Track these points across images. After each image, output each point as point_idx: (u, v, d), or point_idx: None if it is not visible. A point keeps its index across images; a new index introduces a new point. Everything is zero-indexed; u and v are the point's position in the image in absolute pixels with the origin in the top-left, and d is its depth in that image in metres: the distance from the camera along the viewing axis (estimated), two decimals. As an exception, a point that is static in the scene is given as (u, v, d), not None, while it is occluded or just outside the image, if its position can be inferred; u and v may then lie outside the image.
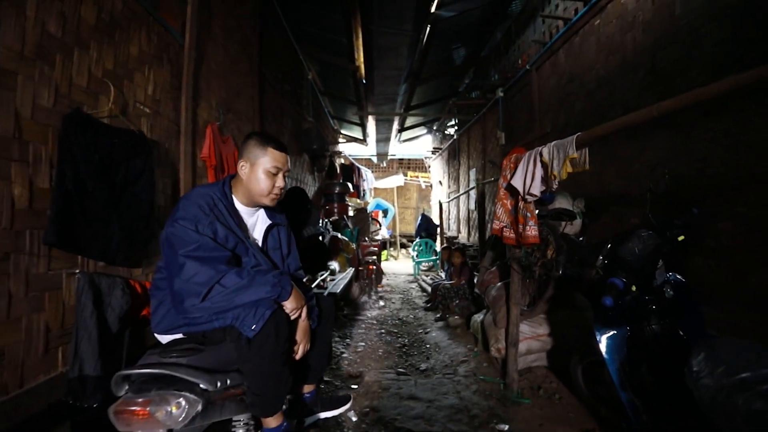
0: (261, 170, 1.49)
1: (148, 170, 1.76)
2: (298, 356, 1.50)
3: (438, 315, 5.24)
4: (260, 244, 1.64)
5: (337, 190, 7.37)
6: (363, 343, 4.24)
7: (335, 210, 7.20)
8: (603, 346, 1.84)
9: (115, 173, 1.60)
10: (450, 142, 9.57)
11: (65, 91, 1.38)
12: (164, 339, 1.49)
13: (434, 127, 10.95)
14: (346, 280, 5.32)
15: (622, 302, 1.69)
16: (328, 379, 3.14)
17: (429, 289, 6.50)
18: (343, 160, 10.43)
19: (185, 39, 2.25)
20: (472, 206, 7.17)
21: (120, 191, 1.63)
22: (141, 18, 1.83)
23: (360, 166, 10.61)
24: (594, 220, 3.11)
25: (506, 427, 2.48)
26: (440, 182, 11.40)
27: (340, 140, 10.48)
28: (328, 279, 4.95)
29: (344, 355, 3.82)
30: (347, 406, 1.97)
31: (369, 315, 5.54)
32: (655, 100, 2.42)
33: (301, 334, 1.50)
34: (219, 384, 1.20)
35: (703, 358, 1.22)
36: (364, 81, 6.61)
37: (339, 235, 6.08)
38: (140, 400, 1.04)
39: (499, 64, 5.87)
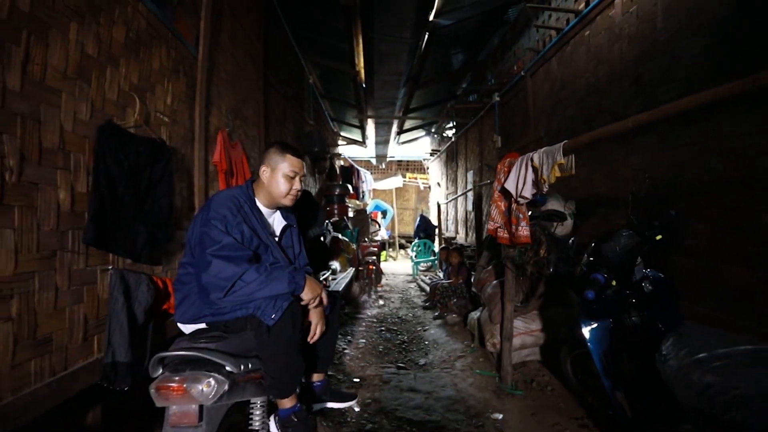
0: (281, 174, 1.66)
1: (168, 175, 1.91)
2: (315, 338, 1.65)
3: (436, 313, 5.40)
4: (277, 241, 1.79)
5: (337, 191, 7.53)
6: (364, 340, 4.39)
7: (335, 211, 7.36)
8: (587, 337, 2.00)
9: (140, 178, 1.75)
10: (448, 144, 9.73)
11: (99, 105, 1.53)
12: (188, 329, 1.64)
13: (433, 130, 11.11)
14: (346, 280, 5.47)
15: (604, 296, 1.85)
16: (331, 374, 3.29)
17: (427, 288, 6.66)
18: (342, 162, 10.58)
19: (199, 51, 2.40)
20: (470, 207, 7.33)
21: (144, 195, 1.78)
22: (161, 34, 1.98)
23: (359, 168, 10.77)
24: (584, 220, 3.27)
25: (500, 416, 2.64)
26: (438, 184, 11.56)
27: (340, 142, 10.63)
28: (330, 278, 5.10)
29: (346, 351, 3.97)
30: (353, 402, 2.12)
31: (369, 313, 5.69)
32: (639, 109, 2.58)
33: (317, 318, 1.65)
34: (242, 367, 1.35)
35: (671, 343, 1.38)
36: (364, 85, 6.77)
37: (339, 236, 6.23)
38: (177, 378, 1.18)
39: (495, 69, 6.04)
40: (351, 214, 8.45)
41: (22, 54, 1.18)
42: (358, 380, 3.21)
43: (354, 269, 6.29)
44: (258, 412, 1.55)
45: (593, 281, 1.77)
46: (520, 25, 4.96)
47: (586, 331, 2.00)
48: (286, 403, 1.56)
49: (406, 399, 2.92)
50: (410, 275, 9.24)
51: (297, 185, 1.71)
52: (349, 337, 4.43)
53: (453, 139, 9.10)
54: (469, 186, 7.33)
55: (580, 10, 3.39)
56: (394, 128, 10.12)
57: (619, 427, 1.96)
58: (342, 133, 10.84)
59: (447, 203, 9.82)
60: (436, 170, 12.05)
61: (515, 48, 5.20)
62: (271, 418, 1.62)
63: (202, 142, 2.39)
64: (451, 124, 9.58)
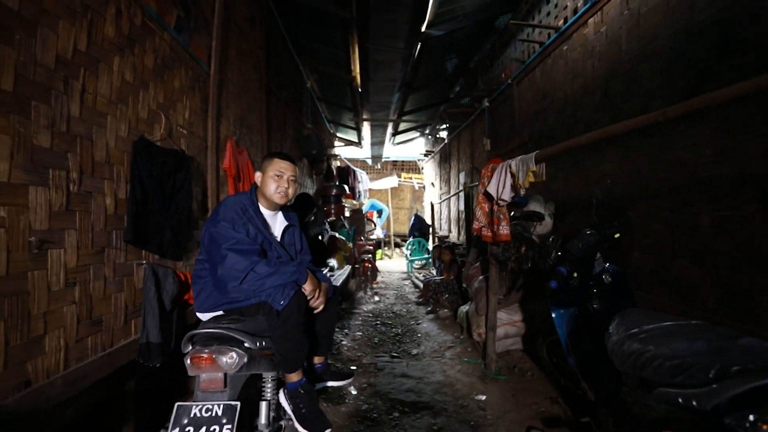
0: (269, 175, 1.92)
1: (187, 182, 2.18)
2: (319, 308, 1.92)
3: (429, 308, 5.68)
4: (279, 240, 2.06)
5: (334, 192, 7.79)
6: (360, 333, 4.67)
7: (332, 211, 7.62)
8: (556, 323, 2.29)
9: (165, 185, 2.01)
10: (441, 145, 10.02)
11: (134, 124, 1.79)
12: (205, 317, 1.90)
13: (427, 131, 11.40)
14: (344, 277, 5.74)
15: (568, 286, 2.14)
16: (330, 362, 3.56)
17: (421, 285, 6.94)
18: (339, 163, 10.84)
19: (210, 68, 2.66)
20: (462, 207, 7.62)
21: (169, 199, 2.04)
22: (181, 57, 2.24)
23: (355, 169, 11.03)
24: (562, 220, 3.56)
25: (483, 398, 2.93)
26: (432, 184, 11.84)
27: (337, 143, 10.89)
28: (328, 275, 5.37)
29: (344, 342, 4.24)
30: (350, 380, 2.40)
31: (365, 309, 5.97)
32: (607, 120, 2.88)
33: (323, 292, 1.92)
34: (257, 344, 1.62)
35: (615, 323, 1.66)
36: (360, 89, 7.04)
37: (337, 235, 6.50)
38: (207, 351, 1.45)
39: (485, 76, 6.32)
40: (347, 214, 8.71)
41: (80, 86, 1.44)
42: (354, 368, 3.49)
43: (351, 267, 6.55)
44: (269, 386, 1.82)
45: (557, 273, 2.06)
46: (507, 36, 5.24)
47: (555, 318, 2.29)
48: (294, 377, 1.83)
49: (398, 383, 3.20)
50: (405, 273, 9.52)
51: (284, 184, 1.95)
52: (346, 330, 4.70)
53: (446, 141, 9.39)
54: (461, 187, 7.63)
55: (559, 26, 3.68)
56: (389, 130, 10.39)
57: (583, 400, 2.25)
58: (338, 134, 11.10)
59: (440, 203, 10.11)
60: (430, 171, 12.34)
61: (503, 57, 5.48)
62: (281, 391, 1.89)
63: (214, 150, 2.65)
64: (444, 126, 9.87)
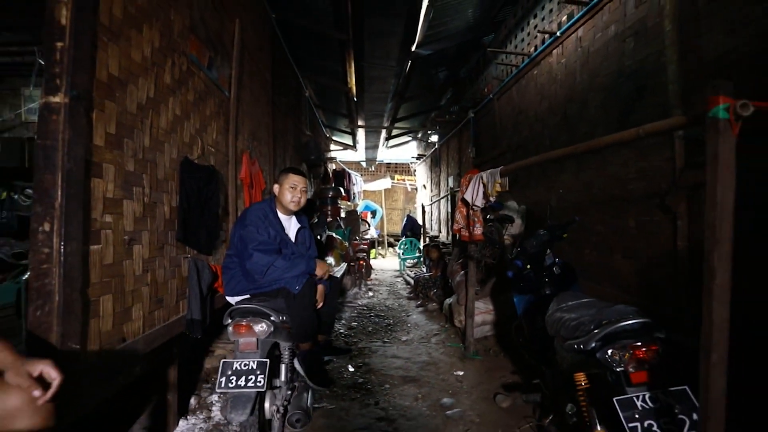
0: (285, 187, 2.43)
1: (216, 191, 2.67)
2: (320, 305, 2.43)
3: (419, 302, 6.20)
4: (293, 239, 2.57)
5: (330, 194, 8.28)
6: (356, 323, 5.18)
7: (329, 212, 8.11)
8: (517, 306, 2.81)
9: (201, 195, 2.50)
10: (432, 150, 10.54)
11: (180, 147, 2.28)
12: (234, 300, 2.40)
13: (419, 136, 11.92)
14: (340, 273, 6.24)
15: (524, 277, 2.66)
16: (331, 340, 4.07)
17: (412, 282, 7.46)
18: (335, 166, 11.33)
19: (230, 94, 3.15)
20: (450, 209, 8.16)
21: (203, 206, 2.53)
22: (210, 89, 2.73)
23: (350, 171, 11.53)
24: (532, 221, 4.09)
25: (461, 373, 3.45)
26: (424, 186, 12.37)
27: (332, 147, 11.38)
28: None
29: (341, 331, 4.75)
30: (348, 355, 2.92)
31: (360, 303, 6.47)
32: (566, 137, 3.42)
33: (320, 294, 2.44)
34: (280, 318, 2.12)
35: (553, 302, 2.19)
36: (355, 99, 7.54)
37: (333, 234, 6.99)
38: (245, 321, 1.95)
39: (471, 88, 6.86)
40: (343, 215, 9.21)
41: (149, 123, 1.93)
42: (351, 347, 4.00)
43: (346, 264, 7.05)
44: (287, 353, 2.32)
45: (514, 266, 2.58)
46: (490, 55, 5.78)
47: (517, 303, 2.82)
48: (305, 346, 2.34)
49: (389, 363, 3.71)
50: (397, 271, 10.04)
51: (297, 194, 2.47)
52: (343, 321, 5.21)
53: (436, 147, 9.92)
54: (450, 190, 8.16)
55: (530, 53, 4.22)
56: (383, 135, 10.89)
57: (536, 368, 2.78)
58: (334, 138, 11.58)
59: (431, 205, 10.64)
60: (422, 173, 12.86)
61: (486, 73, 6.02)
62: (295, 359, 2.40)
63: (233, 163, 3.14)
64: (435, 130, 10.40)
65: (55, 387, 1.11)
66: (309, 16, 4.64)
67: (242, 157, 3.41)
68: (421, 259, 9.55)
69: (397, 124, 9.49)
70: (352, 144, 12.12)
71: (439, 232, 9.78)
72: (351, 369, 3.51)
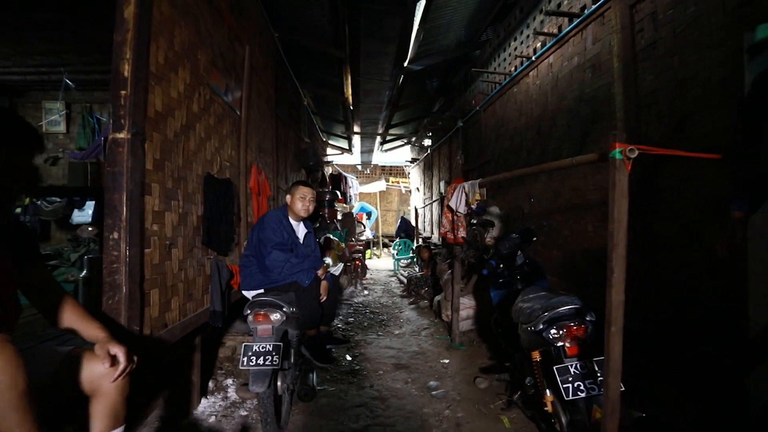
0: (296, 198, 2.85)
1: (232, 201, 3.07)
2: (324, 298, 2.85)
3: (411, 300, 6.62)
4: (302, 241, 2.98)
5: (327, 197, 8.68)
6: (352, 319, 5.58)
7: (326, 214, 8.52)
8: (493, 300, 3.23)
9: (220, 204, 2.90)
10: (425, 155, 10.98)
11: (204, 164, 2.68)
12: (250, 294, 2.81)
13: (413, 140, 12.35)
14: (338, 272, 6.64)
15: (498, 274, 3.08)
16: (332, 331, 4.46)
17: (405, 281, 7.88)
18: (331, 170, 11.73)
19: (242, 113, 3.55)
20: (440, 213, 8.60)
21: (221, 214, 2.93)
22: (227, 111, 3.12)
23: (347, 175, 11.94)
24: (512, 225, 4.53)
25: (447, 361, 3.87)
26: (417, 189, 12.80)
27: (329, 151, 11.78)
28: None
29: (339, 326, 5.15)
30: (346, 344, 3.33)
31: (356, 300, 6.88)
32: (539, 151, 3.85)
33: (324, 288, 2.85)
34: (290, 309, 2.52)
35: (521, 295, 2.61)
36: (351, 107, 7.95)
37: (331, 236, 7.40)
38: (263, 311, 2.35)
39: (460, 99, 7.30)
40: (339, 217, 9.61)
41: (182, 146, 2.33)
42: (349, 340, 4.41)
43: (343, 264, 7.46)
44: (295, 340, 2.72)
45: (489, 265, 3.01)
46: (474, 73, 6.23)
47: (493, 296, 3.24)
48: (311, 333, 2.76)
49: (383, 352, 4.12)
50: (392, 271, 10.45)
51: (306, 203, 2.90)
52: (340, 317, 5.61)
53: (429, 151, 10.35)
54: (441, 193, 8.59)
55: (511, 72, 4.66)
56: (378, 140, 11.31)
57: (507, 353, 3.20)
58: (331, 142, 11.99)
59: (423, 207, 11.07)
60: (415, 176, 13.29)
61: (474, 86, 6.46)
62: (301, 346, 2.81)
63: (244, 174, 3.54)
64: (428, 135, 10.83)
65: (121, 369, 1.38)
66: (309, 36, 5.04)
67: (251, 168, 3.80)
68: (414, 259, 9.97)
69: (391, 131, 9.91)
70: (348, 148, 12.53)
71: (432, 233, 10.22)
72: (348, 358, 3.92)
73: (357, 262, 7.88)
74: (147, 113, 1.95)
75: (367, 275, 9.24)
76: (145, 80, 1.92)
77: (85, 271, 3.45)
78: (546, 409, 2.08)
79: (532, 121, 4.09)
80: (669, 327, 2.24)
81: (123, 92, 1.80)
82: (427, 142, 11.20)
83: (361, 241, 10.40)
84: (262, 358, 2.28)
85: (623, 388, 1.53)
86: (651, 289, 2.42)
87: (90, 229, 4.09)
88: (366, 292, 7.67)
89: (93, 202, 4.61)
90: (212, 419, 2.61)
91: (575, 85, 3.24)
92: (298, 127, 7.09)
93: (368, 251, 12.58)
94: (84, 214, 4.62)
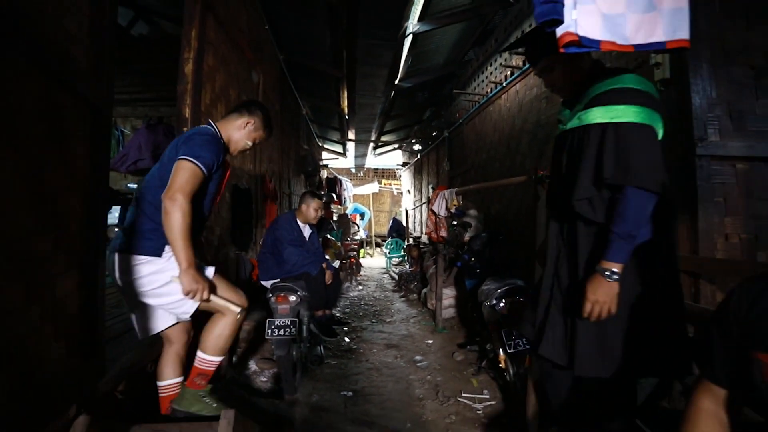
0: (310, 207, 3.50)
1: (251, 207, 3.72)
2: (329, 282, 3.51)
3: (402, 293, 7.29)
4: (307, 240, 3.64)
5: (324, 200, 9.35)
6: (349, 309, 6.24)
7: (324, 216, 9.19)
8: (468, 287, 3.92)
9: (242, 209, 3.55)
10: (416, 159, 11.67)
11: (233, 177, 3.32)
12: (267, 283, 3.46)
13: (404, 146, 13.05)
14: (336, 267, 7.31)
15: (470, 266, 3.76)
16: (334, 314, 5.12)
17: (396, 277, 8.56)
18: (327, 174, 12.37)
19: (257, 131, 4.18)
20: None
21: (243, 217, 3.58)
22: (247, 132, 3.77)
23: (341, 178, 12.59)
24: (488, 226, 5.23)
25: (431, 341, 4.55)
26: (408, 191, 13.50)
27: (325, 155, 12.42)
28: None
29: (337, 316, 5.81)
30: (346, 326, 3.99)
31: (352, 294, 7.53)
32: (509, 164, 4.54)
33: (329, 276, 3.52)
34: (303, 293, 3.18)
35: (485, 282, 3.29)
36: (346, 117, 8.61)
37: (328, 236, 8.06)
38: (282, 293, 3.00)
39: (447, 111, 8.00)
40: (335, 218, 10.27)
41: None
42: (346, 328, 5.07)
43: (339, 262, 8.12)
44: (306, 318, 3.38)
45: (462, 259, 3.69)
46: (459, 87, 6.94)
47: (467, 284, 3.93)
48: (319, 313, 3.42)
49: (376, 335, 4.79)
50: (384, 269, 11.12)
51: (317, 213, 3.55)
52: (338, 308, 6.27)
53: (419, 156, 11.05)
54: (430, 197, 9.29)
55: (487, 93, 5.36)
56: (371, 145, 11.98)
57: (478, 331, 3.89)
58: (326, 147, 12.63)
59: (414, 209, 11.77)
60: (406, 179, 13.98)
61: (457, 101, 7.17)
62: (311, 324, 3.46)
63: (260, 184, 4.19)
64: (417, 141, 11.54)
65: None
66: (311, 58, 5.69)
67: (263, 178, 4.45)
68: (405, 257, 10.66)
69: (383, 137, 10.59)
70: (342, 152, 13.18)
71: (422, 233, 10.92)
72: (347, 339, 4.58)
73: (352, 260, 8.54)
74: (199, 142, 2.59)
75: (362, 272, 9.90)
76: (198, 118, 2.57)
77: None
78: (500, 365, 2.77)
79: (503, 138, 4.79)
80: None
81: (185, 128, 2.45)
82: (418, 147, 11.91)
83: (356, 240, 11.06)
84: (282, 330, 2.94)
85: None
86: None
87: (116, 230, 4.70)
88: (360, 287, 8.33)
89: (119, 207, 5.21)
90: (241, 380, 3.27)
91: (534, 112, 3.94)
92: (297, 135, 7.73)
93: (362, 250, 13.25)
94: (111, 217, 5.22)
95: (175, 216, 1.53)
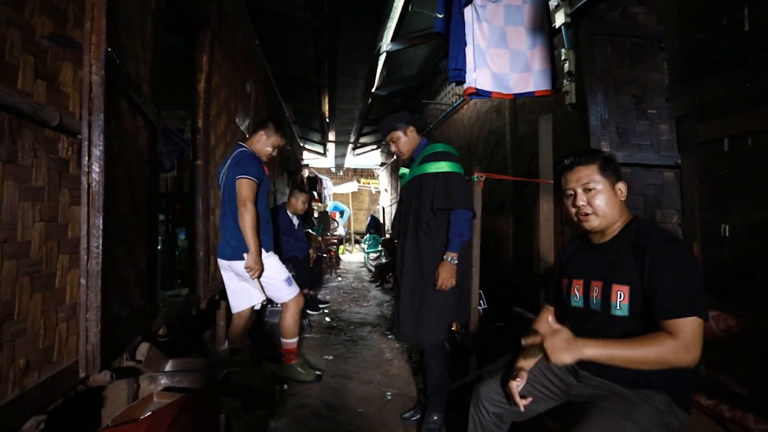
0: (299, 200, 4.12)
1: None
2: (313, 257, 4.16)
3: (378, 283, 7.96)
4: (296, 230, 4.26)
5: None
6: (329, 297, 6.85)
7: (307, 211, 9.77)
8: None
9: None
10: (392, 159, 12.36)
11: (231, 176, 3.90)
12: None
13: (382, 146, 13.73)
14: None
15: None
16: (314, 294, 5.73)
17: (373, 269, 9.23)
18: (308, 173, 12.91)
19: (248, 135, 4.75)
20: (405, 210, 9.99)
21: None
22: (241, 136, 4.34)
23: (322, 177, 13.15)
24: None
25: (402, 320, 5.23)
26: (386, 190, 14.19)
27: (306, 155, 12.95)
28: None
29: (318, 297, 6.42)
30: (328, 304, 4.63)
31: (332, 285, 8.15)
32: (467, 166, 5.27)
33: (313, 254, 4.16)
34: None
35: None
36: (327, 120, 9.20)
37: (310, 231, 8.64)
38: (275, 272, 3.61)
39: (420, 116, 8.73)
40: (316, 215, 10.84)
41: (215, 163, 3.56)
42: (327, 310, 5.70)
43: (319, 254, 8.72)
44: (293, 296, 4.00)
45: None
46: (429, 96, 7.66)
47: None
48: (304, 291, 4.04)
49: (354, 315, 5.44)
50: (362, 263, 11.77)
51: (305, 204, 4.17)
52: (319, 296, 6.87)
53: (395, 157, 11.74)
54: (405, 195, 9.98)
55: (452, 103, 6.08)
56: (350, 146, 12.60)
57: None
58: (307, 147, 13.16)
59: (390, 206, 12.46)
60: (384, 179, 14.68)
61: (427, 109, 7.90)
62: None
63: (251, 181, 4.75)
64: (395, 144, 12.22)
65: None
66: (296, 67, 6.27)
67: (254, 176, 5.01)
68: (382, 252, 11.34)
69: (362, 138, 11.22)
70: (323, 152, 13.74)
71: (398, 229, 11.61)
72: (328, 319, 5.21)
73: (332, 253, 9.14)
74: (208, 147, 3.18)
75: (341, 267, 10.52)
76: (208, 127, 3.15)
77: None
78: (453, 329, 3.47)
79: (464, 143, 5.52)
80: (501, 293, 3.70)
81: (198, 136, 3.03)
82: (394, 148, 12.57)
83: (336, 235, 11.68)
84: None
85: (485, 306, 2.93)
86: (516, 262, 3.87)
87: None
88: (340, 279, 8.96)
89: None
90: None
91: (488, 122, 4.67)
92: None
93: (341, 247, 13.86)
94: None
95: (246, 217, 2.35)
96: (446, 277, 2.08)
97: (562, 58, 2.97)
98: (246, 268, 2.35)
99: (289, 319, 2.70)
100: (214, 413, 1.60)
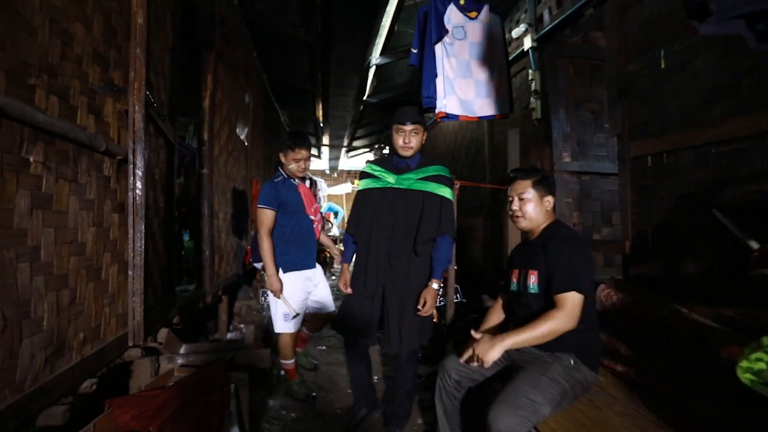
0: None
1: (245, 205, 4.64)
2: None
3: (370, 282, 8.32)
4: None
5: (301, 199, 10.25)
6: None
7: (300, 214, 10.09)
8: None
9: (239, 207, 4.47)
10: (385, 162, 12.71)
11: (232, 181, 4.24)
12: (259, 265, 4.40)
13: (374, 149, 14.09)
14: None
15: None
16: None
17: (366, 268, 9.58)
18: (303, 174, 13.23)
19: (248, 143, 5.10)
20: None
21: (239, 213, 4.49)
22: (244, 147, 4.69)
23: (316, 179, 13.48)
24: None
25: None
26: (379, 191, 14.53)
27: (300, 158, 13.27)
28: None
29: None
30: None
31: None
32: (455, 172, 5.65)
33: None
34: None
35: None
36: (321, 125, 9.55)
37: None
38: (273, 270, 3.97)
39: (410, 121, 9.11)
40: (311, 216, 11.17)
41: (224, 172, 3.91)
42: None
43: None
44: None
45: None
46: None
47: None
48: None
49: (346, 312, 5.79)
50: (356, 262, 12.12)
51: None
52: (314, 293, 7.22)
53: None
54: (397, 196, 10.35)
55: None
56: (344, 149, 12.96)
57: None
58: (302, 150, 13.48)
59: (384, 207, 12.81)
60: (378, 180, 15.00)
61: (419, 113, 8.28)
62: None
63: (249, 186, 5.10)
64: (387, 145, 12.61)
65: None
66: (291, 76, 6.62)
67: (252, 181, 5.36)
68: (375, 252, 11.68)
69: (355, 142, 11.58)
70: (317, 155, 14.09)
71: (390, 230, 11.97)
72: (322, 315, 5.56)
73: (326, 253, 9.50)
74: (212, 157, 3.52)
75: (335, 265, 10.88)
76: (212, 139, 3.49)
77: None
78: (434, 319, 3.84)
79: (450, 149, 5.90)
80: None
81: (204, 148, 3.38)
82: (386, 150, 12.96)
83: (330, 236, 12.02)
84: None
85: (459, 299, 3.30)
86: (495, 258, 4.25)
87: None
88: (334, 277, 9.31)
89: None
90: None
91: (469, 131, 5.05)
92: (277, 140, 8.61)
93: (336, 246, 14.17)
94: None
95: (262, 243, 2.81)
96: (432, 303, 2.20)
97: (529, 78, 3.36)
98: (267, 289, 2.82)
99: (281, 344, 2.91)
100: (226, 383, 1.95)
